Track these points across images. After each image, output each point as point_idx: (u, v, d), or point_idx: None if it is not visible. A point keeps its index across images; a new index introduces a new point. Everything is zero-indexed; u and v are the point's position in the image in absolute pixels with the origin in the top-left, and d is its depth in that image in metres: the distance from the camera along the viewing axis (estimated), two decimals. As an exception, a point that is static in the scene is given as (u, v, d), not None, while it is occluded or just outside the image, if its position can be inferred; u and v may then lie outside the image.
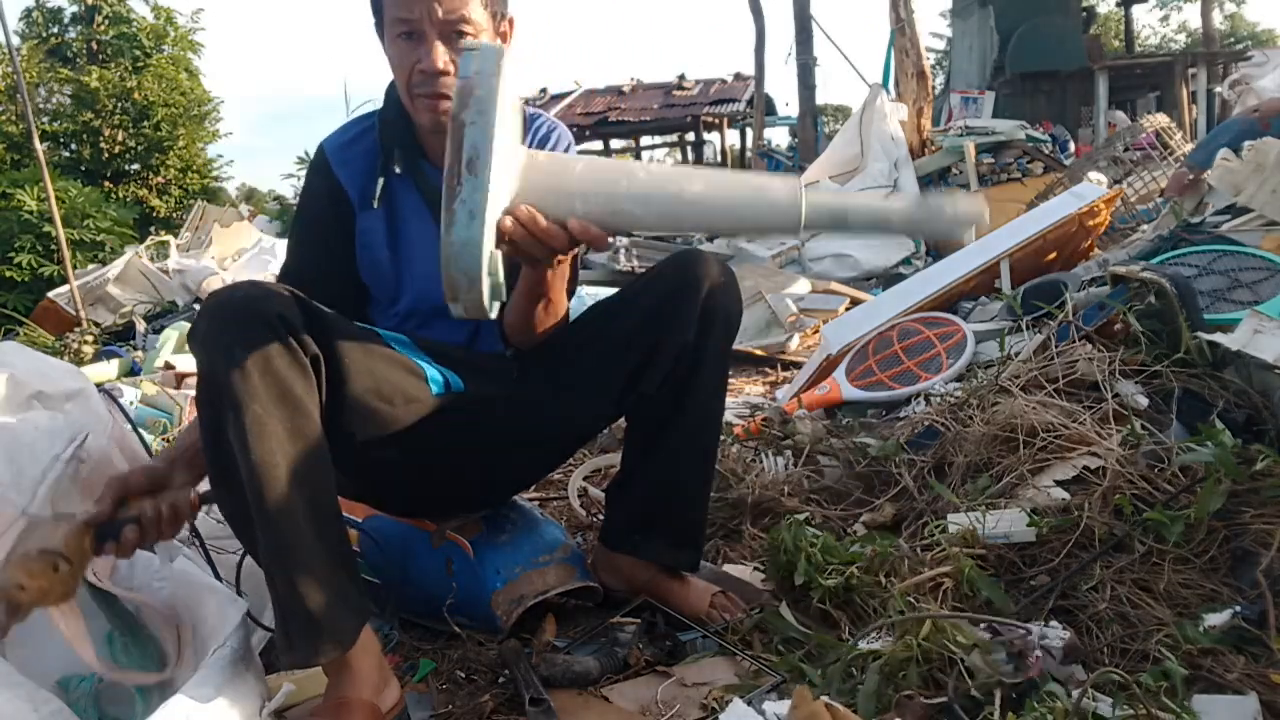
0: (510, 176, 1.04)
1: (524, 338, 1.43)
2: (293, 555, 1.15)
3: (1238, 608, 1.22)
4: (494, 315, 1.06)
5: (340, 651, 1.18)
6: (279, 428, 1.13)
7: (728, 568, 1.72)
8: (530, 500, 2.04)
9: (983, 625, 1.21)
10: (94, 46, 15.51)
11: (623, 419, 1.61)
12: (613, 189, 1.07)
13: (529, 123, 1.53)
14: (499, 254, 1.03)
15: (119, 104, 14.75)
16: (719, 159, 19.17)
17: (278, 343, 1.14)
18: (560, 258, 1.14)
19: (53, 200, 7.01)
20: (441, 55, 1.32)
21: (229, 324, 1.14)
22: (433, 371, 1.39)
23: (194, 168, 15.69)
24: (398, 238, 1.48)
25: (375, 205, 1.46)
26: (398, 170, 1.46)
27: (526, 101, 1.55)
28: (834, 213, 1.07)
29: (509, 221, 1.04)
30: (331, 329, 1.25)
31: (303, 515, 1.15)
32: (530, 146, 1.54)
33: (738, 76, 18.37)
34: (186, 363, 4.01)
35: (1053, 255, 3.34)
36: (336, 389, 1.24)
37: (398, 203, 1.47)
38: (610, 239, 1.13)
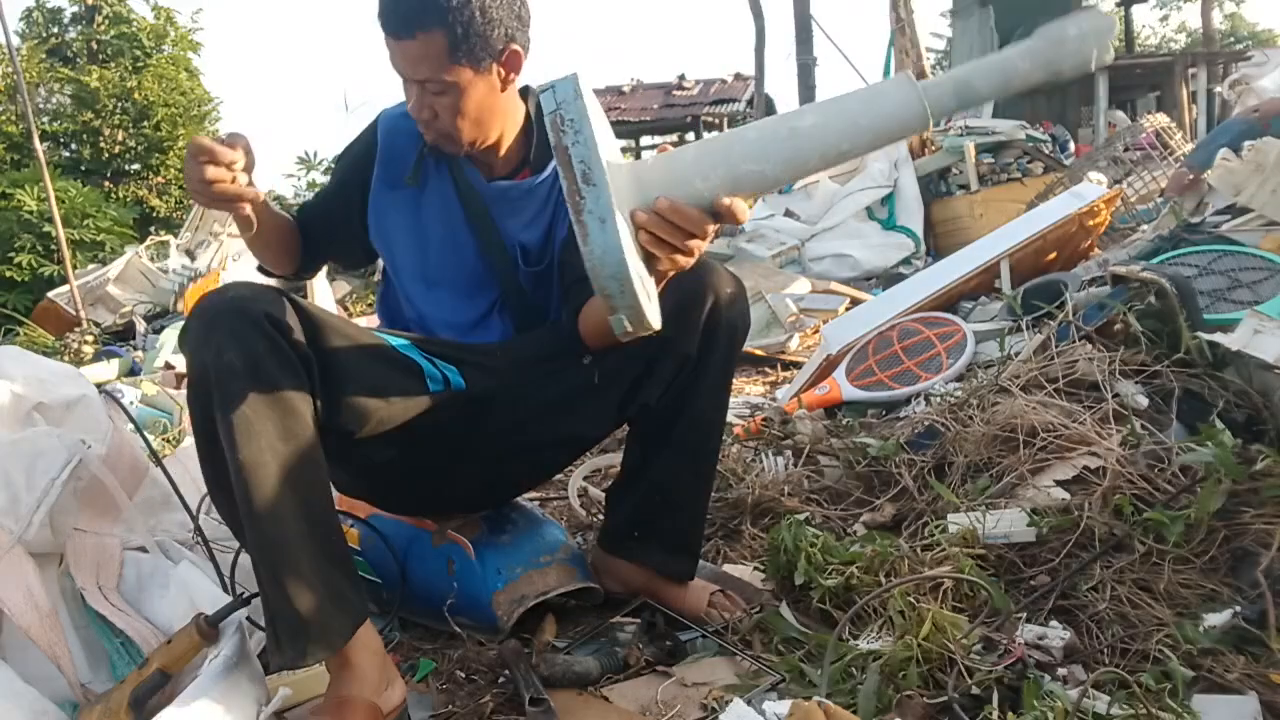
0: (625, 181, 1.03)
1: (607, 340, 1.40)
2: (281, 556, 1.15)
3: (1238, 608, 1.22)
4: (657, 325, 1.05)
5: (329, 652, 1.18)
6: (268, 428, 1.13)
7: (728, 568, 1.72)
8: (531, 500, 2.04)
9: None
10: (94, 46, 15.49)
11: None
12: (727, 156, 1.05)
13: None
14: (640, 259, 1.03)
15: (119, 104, 14.73)
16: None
17: (267, 343, 1.14)
18: (702, 245, 1.10)
19: (53, 200, 7.01)
20: (418, 103, 1.38)
21: (218, 326, 1.14)
22: (431, 369, 1.39)
23: (194, 168, 15.65)
24: (421, 213, 1.52)
25: (410, 180, 1.50)
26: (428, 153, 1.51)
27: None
28: (957, 87, 1.01)
29: (643, 215, 1.04)
30: (324, 327, 1.26)
31: (293, 516, 1.15)
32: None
33: (738, 76, 18.36)
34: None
35: (1053, 255, 3.34)
36: (331, 388, 1.25)
37: (429, 182, 1.51)
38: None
